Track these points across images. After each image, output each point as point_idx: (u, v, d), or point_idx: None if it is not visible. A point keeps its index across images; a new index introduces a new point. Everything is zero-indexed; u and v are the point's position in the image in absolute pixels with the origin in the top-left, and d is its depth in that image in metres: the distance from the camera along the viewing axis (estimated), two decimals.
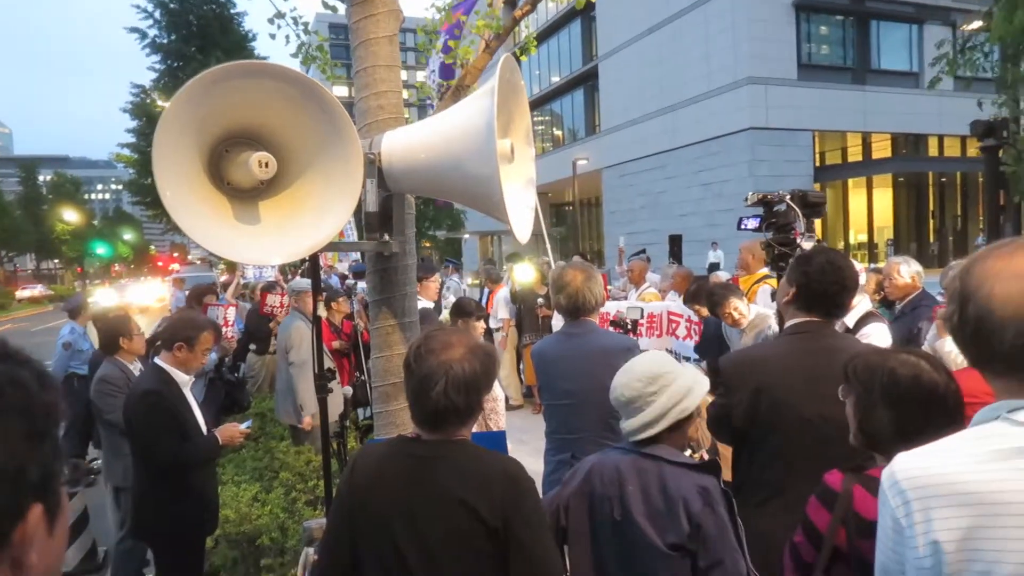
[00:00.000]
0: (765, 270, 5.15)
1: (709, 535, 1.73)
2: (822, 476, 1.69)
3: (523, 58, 2.98)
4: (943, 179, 27.39)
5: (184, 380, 3.41)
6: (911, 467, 1.11)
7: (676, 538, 1.75)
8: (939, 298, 4.94)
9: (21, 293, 47.15)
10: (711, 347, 5.03)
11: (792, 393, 2.12)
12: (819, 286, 2.22)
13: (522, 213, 2.27)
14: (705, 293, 5.12)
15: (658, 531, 1.78)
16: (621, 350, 2.98)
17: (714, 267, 19.59)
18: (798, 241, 3.01)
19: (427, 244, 35.32)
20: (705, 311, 5.34)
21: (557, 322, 7.54)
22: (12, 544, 0.62)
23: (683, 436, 1.96)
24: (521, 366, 8.88)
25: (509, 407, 6.64)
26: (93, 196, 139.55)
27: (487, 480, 1.63)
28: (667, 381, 1.90)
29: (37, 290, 48.99)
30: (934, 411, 1.56)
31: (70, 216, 58.35)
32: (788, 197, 3.11)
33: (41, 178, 68.72)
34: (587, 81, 33.75)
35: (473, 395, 1.67)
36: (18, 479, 0.62)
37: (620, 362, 2.90)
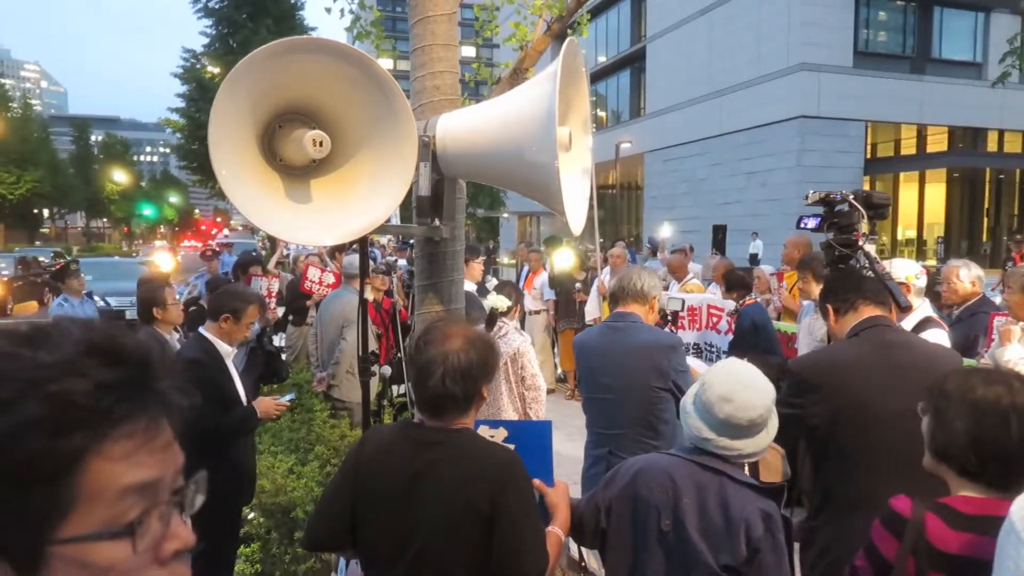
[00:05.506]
0: None
1: (766, 563, 1.66)
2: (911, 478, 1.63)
3: (575, 39, 2.88)
4: (1001, 176, 26.27)
5: (227, 351, 3.43)
6: None
7: (731, 560, 1.68)
8: (998, 302, 4.73)
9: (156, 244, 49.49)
10: (745, 340, 4.88)
11: (875, 394, 2.08)
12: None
13: (577, 203, 2.20)
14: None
15: (712, 549, 1.70)
16: (665, 347, 2.92)
17: (754, 258, 19.20)
18: (860, 243, 2.88)
19: (465, 222, 35.09)
20: (748, 300, 5.16)
21: (591, 307, 7.49)
22: None
23: None
24: (556, 350, 8.85)
25: None
26: (141, 158, 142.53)
27: (480, 468, 1.68)
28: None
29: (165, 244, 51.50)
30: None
31: (119, 176, 59.80)
32: (852, 197, 2.98)
33: (93, 138, 70.39)
34: (634, 62, 33.07)
35: (470, 383, 1.71)
36: None
37: (662, 359, 2.84)
